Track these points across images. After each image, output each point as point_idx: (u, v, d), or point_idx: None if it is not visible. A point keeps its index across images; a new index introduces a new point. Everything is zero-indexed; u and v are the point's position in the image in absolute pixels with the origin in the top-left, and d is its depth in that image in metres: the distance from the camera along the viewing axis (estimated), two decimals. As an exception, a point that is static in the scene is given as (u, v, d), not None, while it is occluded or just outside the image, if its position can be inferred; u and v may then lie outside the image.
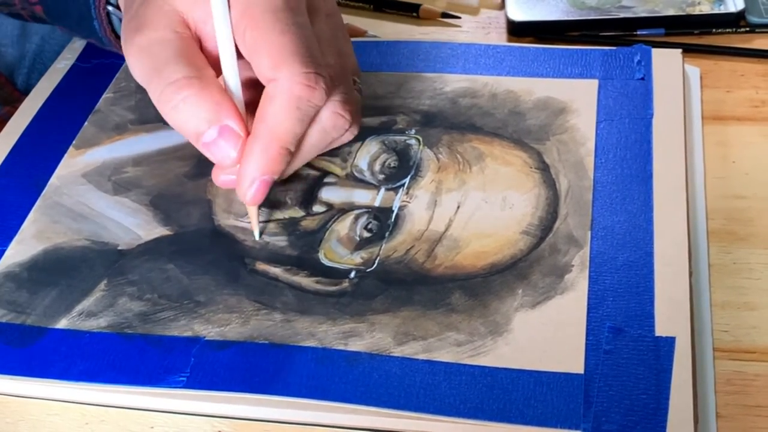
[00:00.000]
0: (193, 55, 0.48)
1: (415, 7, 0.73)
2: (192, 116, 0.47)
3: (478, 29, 0.73)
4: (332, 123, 0.51)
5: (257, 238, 0.54)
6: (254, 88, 0.51)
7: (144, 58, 0.48)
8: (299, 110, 0.48)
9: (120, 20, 0.58)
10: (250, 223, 0.55)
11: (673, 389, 0.45)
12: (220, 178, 0.53)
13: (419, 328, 0.49)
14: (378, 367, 0.47)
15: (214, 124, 0.48)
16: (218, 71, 0.50)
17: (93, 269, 0.54)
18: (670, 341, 0.47)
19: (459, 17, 0.72)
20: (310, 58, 0.48)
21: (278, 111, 0.48)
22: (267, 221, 0.56)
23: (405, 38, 0.70)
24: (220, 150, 0.49)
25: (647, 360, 0.46)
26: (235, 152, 0.49)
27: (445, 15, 0.72)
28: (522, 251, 0.53)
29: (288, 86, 0.48)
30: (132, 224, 0.56)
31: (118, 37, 0.60)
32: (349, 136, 0.53)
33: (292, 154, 0.50)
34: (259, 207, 0.54)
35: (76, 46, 0.70)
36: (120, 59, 0.68)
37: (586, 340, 0.48)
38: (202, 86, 0.47)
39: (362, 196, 0.57)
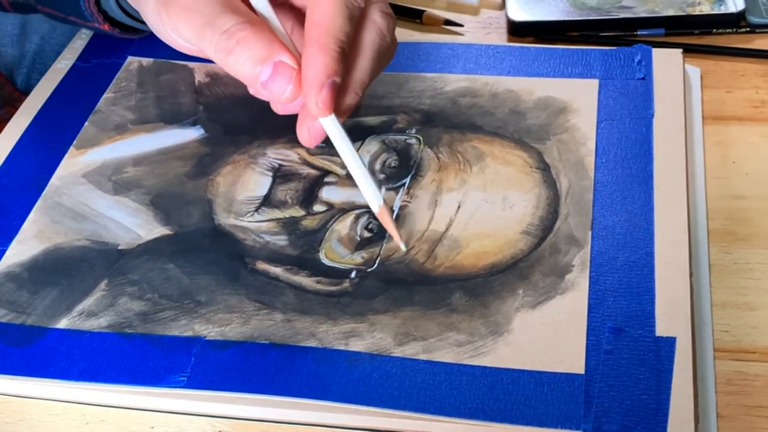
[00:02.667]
0: (236, 5, 0.50)
1: (419, 13, 0.73)
2: (247, 58, 0.49)
3: (479, 29, 0.72)
4: (385, 23, 0.52)
5: (403, 247, 0.53)
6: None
7: (193, 16, 0.50)
8: (347, 8, 0.49)
9: None
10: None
11: (674, 389, 0.45)
12: (306, 132, 0.52)
13: (420, 328, 0.49)
14: (378, 367, 0.47)
15: (269, 61, 0.49)
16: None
17: (93, 269, 0.54)
18: (670, 341, 0.47)
19: (462, 25, 0.72)
20: None
21: (327, 11, 0.49)
22: (267, 221, 0.56)
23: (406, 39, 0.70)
24: (278, 85, 0.49)
25: (648, 360, 0.46)
26: (292, 86, 0.49)
27: (448, 22, 0.72)
28: (522, 251, 0.53)
29: None
30: (132, 224, 0.56)
31: (100, 10, 0.60)
32: (391, 52, 0.53)
33: (347, 56, 0.50)
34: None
35: (77, 46, 0.70)
36: (120, 59, 0.68)
37: (587, 340, 0.48)
38: (252, 30, 0.49)
39: (363, 196, 0.57)
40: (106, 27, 0.61)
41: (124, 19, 0.61)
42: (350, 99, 0.50)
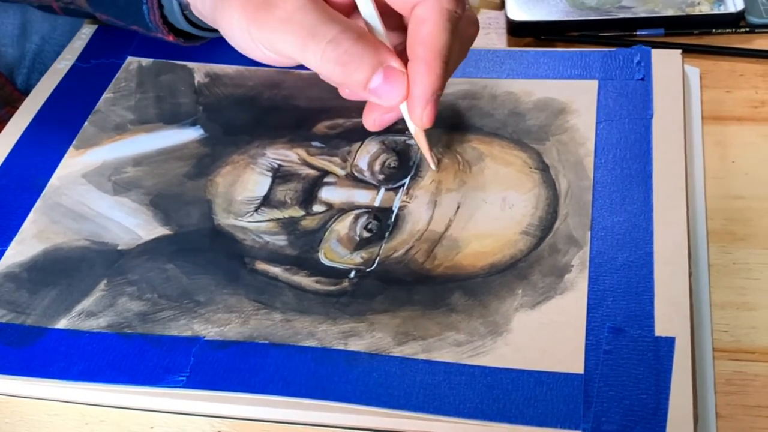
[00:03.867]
0: (333, 13, 0.50)
1: None
2: (357, 66, 0.49)
3: (478, 29, 0.72)
4: (470, 33, 0.54)
5: (434, 167, 0.55)
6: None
7: (292, 27, 0.49)
8: (450, 22, 0.50)
9: (180, 5, 0.58)
10: (422, 153, 0.55)
11: (673, 389, 0.45)
12: (376, 120, 0.54)
13: (419, 328, 0.49)
14: (378, 367, 0.47)
15: (378, 68, 0.49)
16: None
17: (93, 269, 0.54)
18: (669, 341, 0.47)
19: None
20: None
21: (433, 28, 0.50)
22: (266, 221, 0.56)
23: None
24: (389, 91, 0.50)
25: (647, 360, 0.46)
26: (403, 89, 0.50)
27: None
28: (522, 251, 0.53)
29: (437, 2, 0.50)
30: (132, 224, 0.56)
31: (165, 22, 0.60)
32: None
33: (449, 69, 0.51)
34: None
35: (76, 46, 0.70)
36: (120, 59, 0.68)
37: (586, 340, 0.48)
38: (357, 37, 0.49)
39: (362, 196, 0.57)
40: (170, 38, 0.61)
41: (188, 28, 0.60)
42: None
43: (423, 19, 0.50)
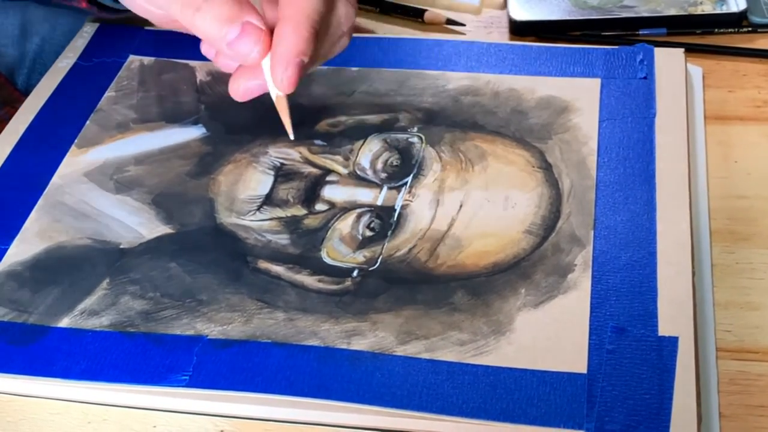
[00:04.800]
0: None
1: (421, 13, 0.73)
2: (215, 17, 0.49)
3: (480, 29, 0.72)
4: (345, 12, 0.52)
5: (292, 136, 0.53)
6: None
7: None
8: None
9: None
10: (282, 121, 0.53)
11: (676, 389, 0.45)
12: (240, 87, 0.53)
13: (422, 327, 0.49)
14: (380, 366, 0.47)
15: (236, 21, 0.49)
16: None
17: (95, 268, 0.54)
18: (673, 341, 0.47)
19: (464, 24, 0.72)
20: None
21: None
22: (268, 219, 0.56)
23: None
24: (245, 46, 0.49)
25: (650, 360, 0.46)
26: (259, 47, 0.49)
27: (450, 22, 0.72)
28: (525, 250, 0.52)
29: None
30: (134, 223, 0.56)
31: None
32: (345, 42, 0.54)
33: (317, 37, 0.50)
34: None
35: (78, 44, 0.70)
36: (122, 58, 0.68)
37: (589, 339, 0.48)
38: None
39: (365, 195, 0.57)
40: (84, 5, 0.61)
41: None
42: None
43: None
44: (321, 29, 0.50)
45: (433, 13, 0.73)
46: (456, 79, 0.64)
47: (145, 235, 0.56)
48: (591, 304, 0.49)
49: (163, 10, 0.51)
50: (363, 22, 0.74)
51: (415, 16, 0.73)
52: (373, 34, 0.72)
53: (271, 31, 0.50)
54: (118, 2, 0.60)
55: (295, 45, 0.49)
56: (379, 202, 0.56)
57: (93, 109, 0.64)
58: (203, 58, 0.65)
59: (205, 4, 0.49)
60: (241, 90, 0.53)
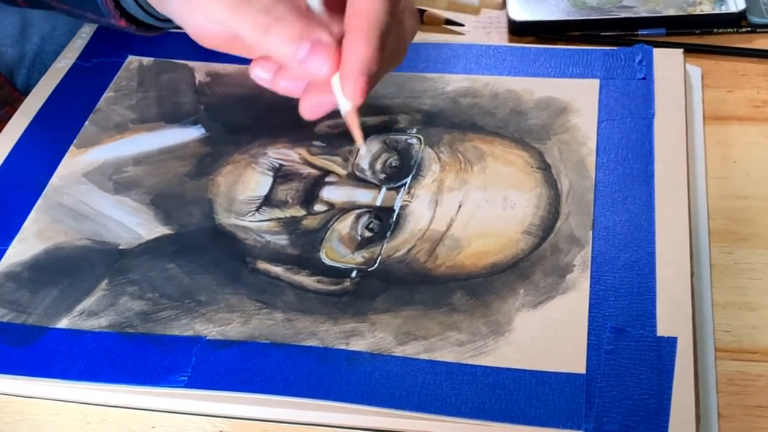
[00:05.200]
0: None
1: (420, 13, 0.73)
2: (286, 36, 0.48)
3: (479, 29, 0.72)
4: (411, 24, 0.52)
5: (363, 150, 0.52)
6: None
7: None
8: (389, 2, 0.49)
9: None
10: (352, 134, 0.52)
11: (675, 389, 0.45)
12: (312, 105, 0.51)
13: (421, 327, 0.49)
14: (379, 366, 0.47)
15: (306, 39, 0.48)
16: None
17: (94, 268, 0.54)
18: (671, 341, 0.47)
19: (462, 25, 0.72)
20: None
21: (370, 3, 0.49)
22: (267, 220, 0.56)
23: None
24: (316, 63, 0.49)
25: (649, 360, 0.46)
26: (330, 62, 0.49)
27: (449, 22, 0.72)
28: (523, 251, 0.53)
29: None
30: (133, 223, 0.56)
31: (117, 5, 0.60)
32: (404, 54, 0.53)
33: (384, 49, 0.50)
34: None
35: (77, 45, 0.70)
36: (121, 58, 0.68)
37: (588, 340, 0.48)
38: (289, 8, 0.49)
39: (363, 196, 0.57)
40: (122, 23, 0.61)
41: (141, 15, 0.61)
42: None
43: None
44: (388, 40, 0.50)
45: (432, 13, 0.73)
46: (455, 81, 0.64)
47: (143, 235, 0.56)
48: (590, 304, 0.49)
49: (228, 29, 0.50)
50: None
51: (414, 16, 0.73)
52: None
53: (338, 42, 0.49)
54: (158, 19, 0.60)
55: (364, 56, 0.48)
56: (378, 203, 0.56)
57: (92, 110, 0.64)
58: (202, 59, 0.65)
59: (276, 23, 0.48)
60: (313, 108, 0.52)
